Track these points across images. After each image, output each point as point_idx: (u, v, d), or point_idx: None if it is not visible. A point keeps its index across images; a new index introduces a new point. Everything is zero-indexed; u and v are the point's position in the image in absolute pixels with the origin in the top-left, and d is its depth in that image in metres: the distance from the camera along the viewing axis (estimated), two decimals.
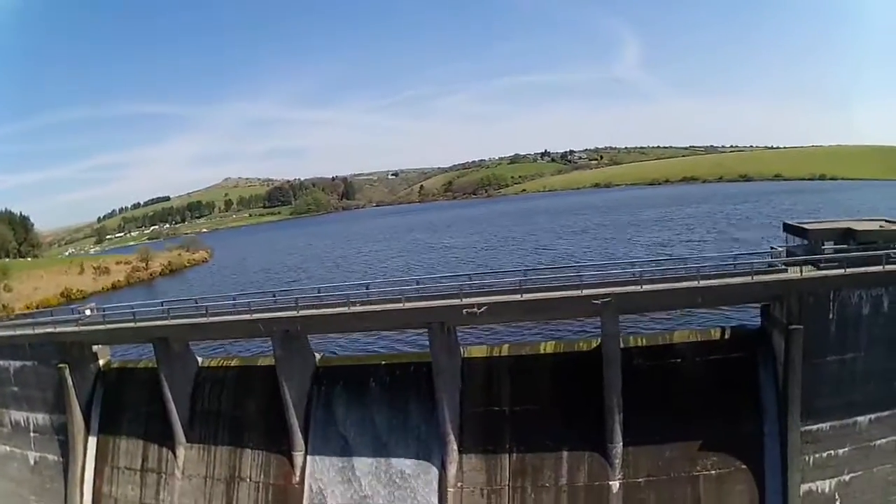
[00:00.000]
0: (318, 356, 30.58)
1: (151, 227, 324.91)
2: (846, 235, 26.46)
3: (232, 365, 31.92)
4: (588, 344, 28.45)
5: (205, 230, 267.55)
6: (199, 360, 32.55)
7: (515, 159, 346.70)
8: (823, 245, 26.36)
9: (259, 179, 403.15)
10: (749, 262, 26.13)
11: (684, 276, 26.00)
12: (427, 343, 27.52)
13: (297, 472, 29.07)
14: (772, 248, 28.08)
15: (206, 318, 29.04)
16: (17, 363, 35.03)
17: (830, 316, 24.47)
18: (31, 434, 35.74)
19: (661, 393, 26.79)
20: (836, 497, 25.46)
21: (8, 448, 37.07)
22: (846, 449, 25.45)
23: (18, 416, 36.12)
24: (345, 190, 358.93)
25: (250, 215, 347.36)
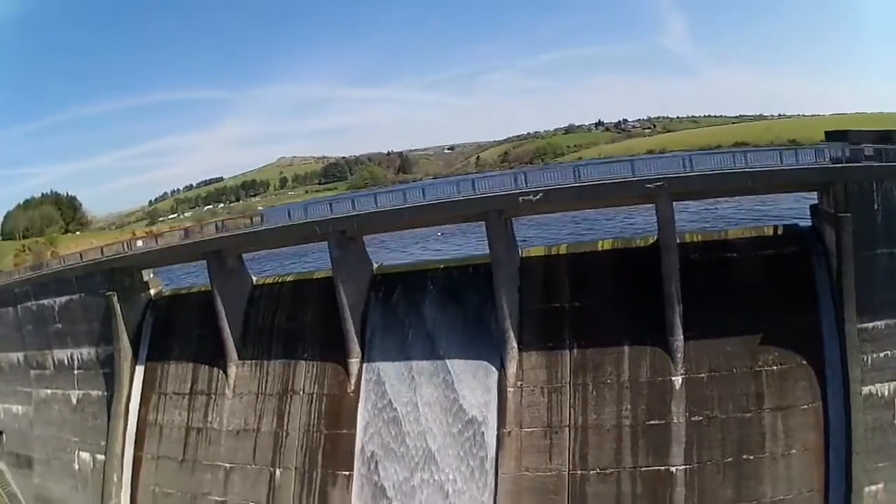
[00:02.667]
0: (375, 265, 30.66)
1: (206, 207, 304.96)
2: (885, 138, 26.73)
3: (287, 280, 31.97)
4: (645, 240, 28.50)
5: (260, 207, 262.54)
6: (254, 279, 32.60)
7: (570, 129, 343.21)
8: (862, 146, 26.80)
9: (314, 157, 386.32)
10: (794, 154, 26.42)
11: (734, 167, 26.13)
12: (485, 248, 27.65)
13: (353, 381, 28.78)
14: (815, 146, 28.40)
15: (260, 227, 29.31)
16: (63, 299, 35.12)
17: (876, 207, 24.41)
18: (75, 372, 35.57)
19: (718, 286, 26.57)
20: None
21: (49, 391, 36.86)
22: None
23: (62, 354, 36.01)
24: (401, 164, 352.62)
25: (307, 192, 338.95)
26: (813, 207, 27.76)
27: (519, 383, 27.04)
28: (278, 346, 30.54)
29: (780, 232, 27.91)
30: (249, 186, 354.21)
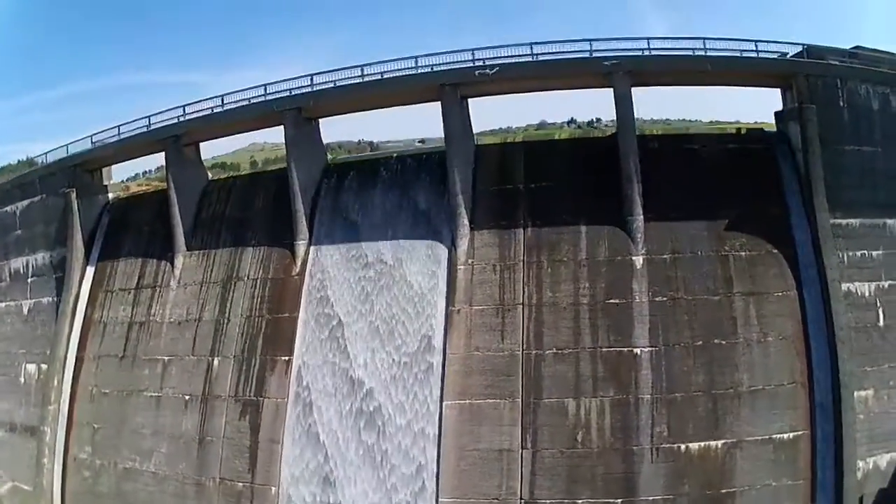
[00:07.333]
0: (329, 156, 29.99)
1: None
2: (853, 55, 26.79)
3: (242, 175, 31.56)
4: (602, 132, 27.91)
5: None
6: (209, 175, 32.11)
7: (542, 125, 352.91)
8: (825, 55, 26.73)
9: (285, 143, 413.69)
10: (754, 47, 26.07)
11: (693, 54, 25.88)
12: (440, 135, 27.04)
13: (299, 263, 27.45)
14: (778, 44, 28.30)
15: (219, 108, 28.95)
16: (25, 202, 34.56)
17: (841, 103, 24.49)
18: (29, 280, 34.39)
19: (679, 173, 25.73)
20: (878, 303, 24.07)
21: (3, 304, 35.63)
22: (880, 252, 24.57)
23: (18, 263, 35.01)
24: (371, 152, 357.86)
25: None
26: (777, 113, 27.45)
27: (470, 261, 25.71)
28: (227, 234, 29.41)
29: (743, 132, 27.53)
30: (220, 168, 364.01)
